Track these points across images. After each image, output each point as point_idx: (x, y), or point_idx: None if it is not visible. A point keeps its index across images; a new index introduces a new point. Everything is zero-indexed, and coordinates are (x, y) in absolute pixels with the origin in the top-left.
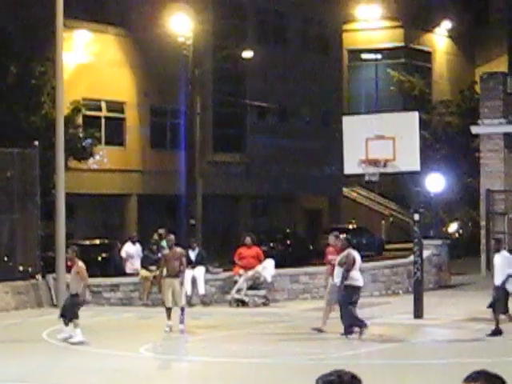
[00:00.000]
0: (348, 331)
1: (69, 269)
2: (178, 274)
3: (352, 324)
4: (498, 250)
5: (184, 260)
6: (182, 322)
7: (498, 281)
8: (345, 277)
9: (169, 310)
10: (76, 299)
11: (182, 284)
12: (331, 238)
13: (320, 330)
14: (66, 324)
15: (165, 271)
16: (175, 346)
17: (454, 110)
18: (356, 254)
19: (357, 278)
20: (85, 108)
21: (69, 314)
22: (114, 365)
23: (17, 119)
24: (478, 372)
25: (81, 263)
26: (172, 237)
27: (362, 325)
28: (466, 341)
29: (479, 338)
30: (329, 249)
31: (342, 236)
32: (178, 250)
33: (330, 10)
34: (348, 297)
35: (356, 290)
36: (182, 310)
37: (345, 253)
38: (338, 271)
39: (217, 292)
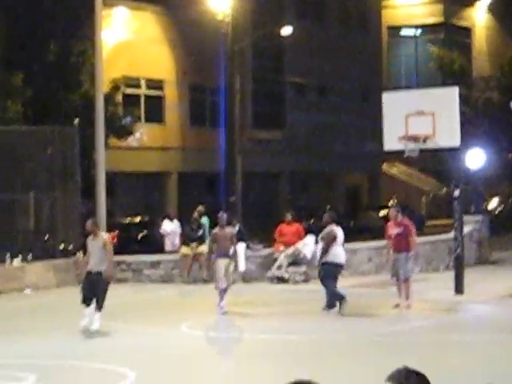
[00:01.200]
0: (329, 305)
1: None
2: (229, 253)
3: (333, 299)
4: None
5: (235, 240)
6: (222, 299)
7: None
8: (324, 252)
9: (222, 291)
10: (105, 279)
11: (235, 265)
12: (392, 213)
13: (405, 306)
14: (89, 305)
15: (215, 251)
16: (216, 323)
17: (494, 86)
18: (338, 231)
19: (338, 254)
20: (124, 86)
21: (100, 300)
22: (155, 342)
23: (56, 97)
24: (405, 371)
25: (105, 235)
26: (224, 216)
27: (340, 299)
28: (508, 317)
29: None
30: (389, 223)
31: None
32: (229, 229)
33: None
34: (328, 271)
35: (337, 266)
36: (226, 290)
37: (327, 229)
38: (319, 246)
39: (257, 269)
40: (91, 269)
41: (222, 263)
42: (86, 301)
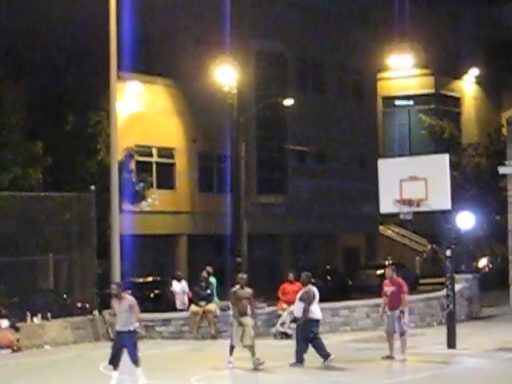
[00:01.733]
0: (299, 360)
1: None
2: (247, 312)
3: (301, 355)
4: None
5: (252, 299)
6: (254, 355)
7: None
8: (306, 312)
9: (233, 347)
10: (135, 337)
11: (253, 324)
12: (388, 272)
13: (390, 357)
14: (116, 366)
15: (234, 310)
16: (224, 376)
17: (482, 152)
18: (315, 290)
19: (315, 311)
20: (137, 154)
21: (133, 356)
22: None
23: (74, 165)
24: None
25: (131, 297)
26: (245, 276)
27: (326, 354)
28: (497, 369)
29: (509, 367)
30: (385, 281)
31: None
32: (248, 289)
33: (365, 60)
34: (306, 331)
35: (315, 322)
36: (251, 347)
37: (306, 289)
38: (299, 305)
39: (262, 325)
40: (119, 329)
41: (238, 322)
42: (114, 361)
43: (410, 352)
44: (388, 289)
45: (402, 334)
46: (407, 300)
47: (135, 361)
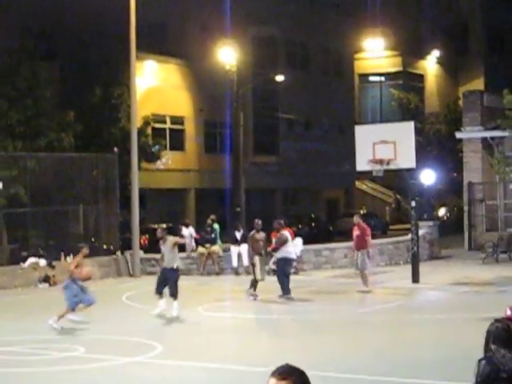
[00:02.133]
0: (286, 293)
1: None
2: (261, 252)
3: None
4: None
5: (265, 242)
6: (254, 289)
7: None
8: (275, 250)
9: (256, 282)
10: (176, 274)
11: (265, 262)
12: (355, 218)
13: (363, 291)
14: (161, 297)
15: (250, 250)
16: (226, 306)
17: (442, 120)
18: (288, 235)
19: (290, 251)
20: (153, 122)
21: (172, 290)
22: (178, 321)
23: (100, 131)
24: (289, 368)
25: (172, 237)
26: (260, 222)
27: (287, 293)
28: (454, 299)
29: (463, 297)
30: (354, 227)
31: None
32: (262, 234)
33: (344, 43)
34: (282, 267)
35: (289, 261)
36: (257, 282)
37: (279, 234)
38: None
39: None
40: (165, 266)
41: (258, 260)
42: (158, 290)
43: (380, 286)
44: (355, 233)
45: (363, 269)
46: (371, 242)
47: (173, 294)
